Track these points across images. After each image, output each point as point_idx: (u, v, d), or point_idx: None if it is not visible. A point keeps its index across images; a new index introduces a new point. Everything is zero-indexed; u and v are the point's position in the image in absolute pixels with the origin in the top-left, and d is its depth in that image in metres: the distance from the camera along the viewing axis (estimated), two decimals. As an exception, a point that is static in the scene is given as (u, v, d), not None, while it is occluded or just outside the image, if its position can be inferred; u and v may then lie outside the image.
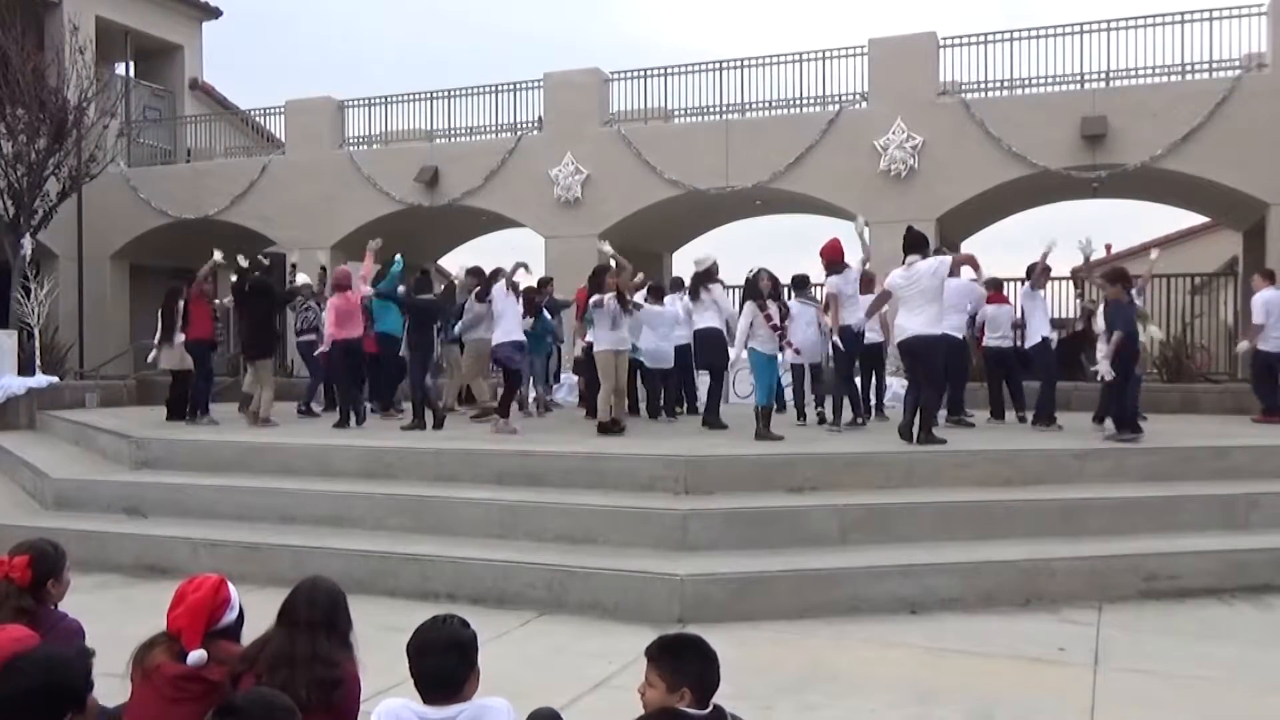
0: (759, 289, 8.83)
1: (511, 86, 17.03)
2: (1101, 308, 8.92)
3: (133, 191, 18.65)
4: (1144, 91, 13.61)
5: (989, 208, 15.37)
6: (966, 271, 9.79)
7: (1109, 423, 8.70)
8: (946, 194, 14.15)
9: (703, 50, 68.48)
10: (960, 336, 9.72)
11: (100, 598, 6.41)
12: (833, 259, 9.60)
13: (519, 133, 16.74)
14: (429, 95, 17.62)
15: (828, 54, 15.28)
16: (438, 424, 9.97)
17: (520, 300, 9.90)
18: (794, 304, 9.86)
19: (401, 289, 10.87)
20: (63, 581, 3.68)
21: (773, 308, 8.84)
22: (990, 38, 14.46)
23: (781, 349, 9.06)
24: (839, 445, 8.37)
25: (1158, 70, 13.82)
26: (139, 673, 3.07)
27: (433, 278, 11.02)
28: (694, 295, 10.54)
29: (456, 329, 11.00)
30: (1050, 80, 14.22)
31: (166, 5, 20.72)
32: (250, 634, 3.16)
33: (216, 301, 11.25)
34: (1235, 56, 13.45)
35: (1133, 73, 13.92)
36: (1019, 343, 10.66)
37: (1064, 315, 14.64)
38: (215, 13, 21.75)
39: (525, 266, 9.99)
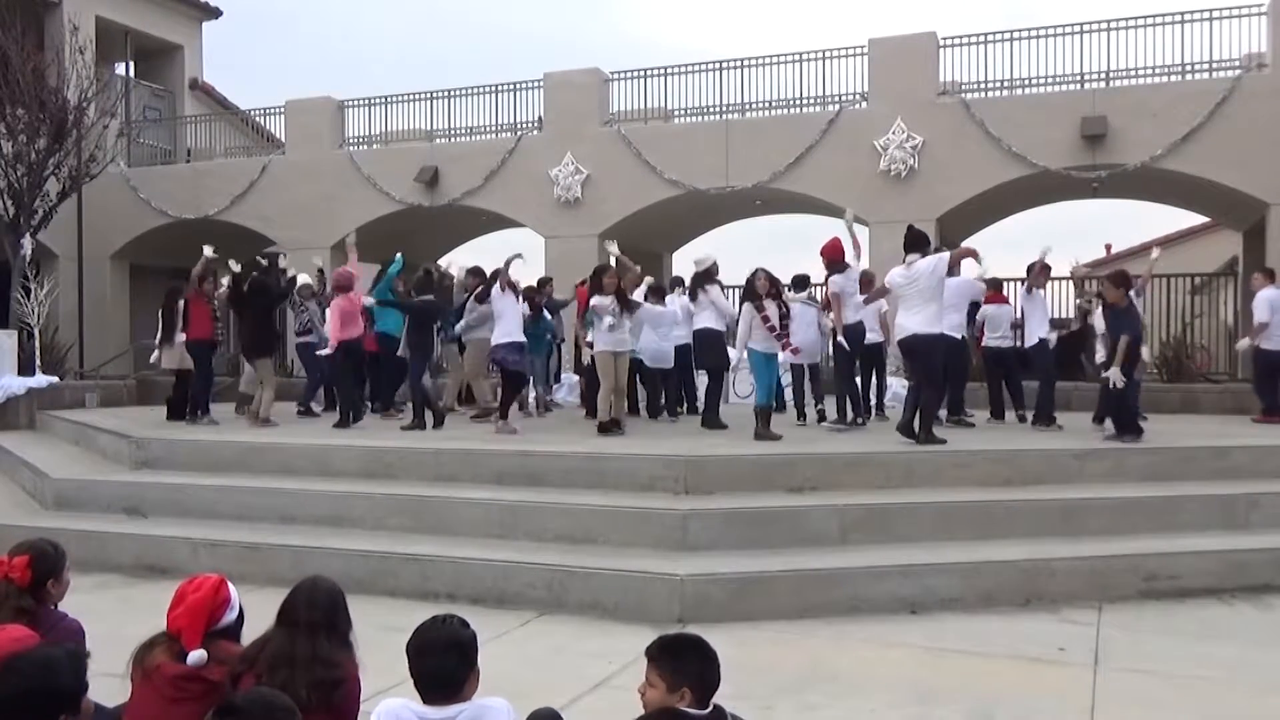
0: (755, 289, 8.82)
1: (511, 86, 17.03)
2: (1100, 310, 8.92)
3: (133, 191, 18.65)
4: (1144, 91, 13.61)
5: (989, 208, 15.38)
6: (969, 269, 9.77)
7: (1109, 423, 8.71)
8: (946, 194, 14.16)
9: (703, 50, 68.53)
10: (959, 336, 9.72)
11: (100, 598, 6.41)
12: (833, 258, 9.60)
13: (519, 133, 16.74)
14: (429, 95, 17.63)
15: (828, 54, 15.29)
16: (438, 423, 9.97)
17: (520, 299, 9.85)
18: (794, 304, 9.86)
19: (401, 287, 10.87)
20: (63, 581, 3.68)
21: (770, 308, 8.82)
22: (990, 38, 14.47)
23: (783, 346, 9.03)
24: (839, 445, 8.36)
25: (1158, 70, 13.83)
26: (139, 673, 3.07)
27: (434, 277, 10.99)
28: (693, 295, 10.54)
29: (457, 329, 10.99)
30: (1050, 80, 14.23)
31: (166, 5, 20.72)
32: (250, 634, 3.17)
33: (217, 299, 11.21)
34: (1235, 56, 13.45)
35: (1133, 73, 13.93)
36: (1019, 343, 10.67)
37: (1063, 315, 14.64)
38: (215, 13, 21.76)
39: (519, 256, 9.95)
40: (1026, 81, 14.36)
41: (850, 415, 9.58)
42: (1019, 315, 10.43)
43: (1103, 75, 14.01)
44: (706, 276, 10.38)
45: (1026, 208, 16.69)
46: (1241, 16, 13.38)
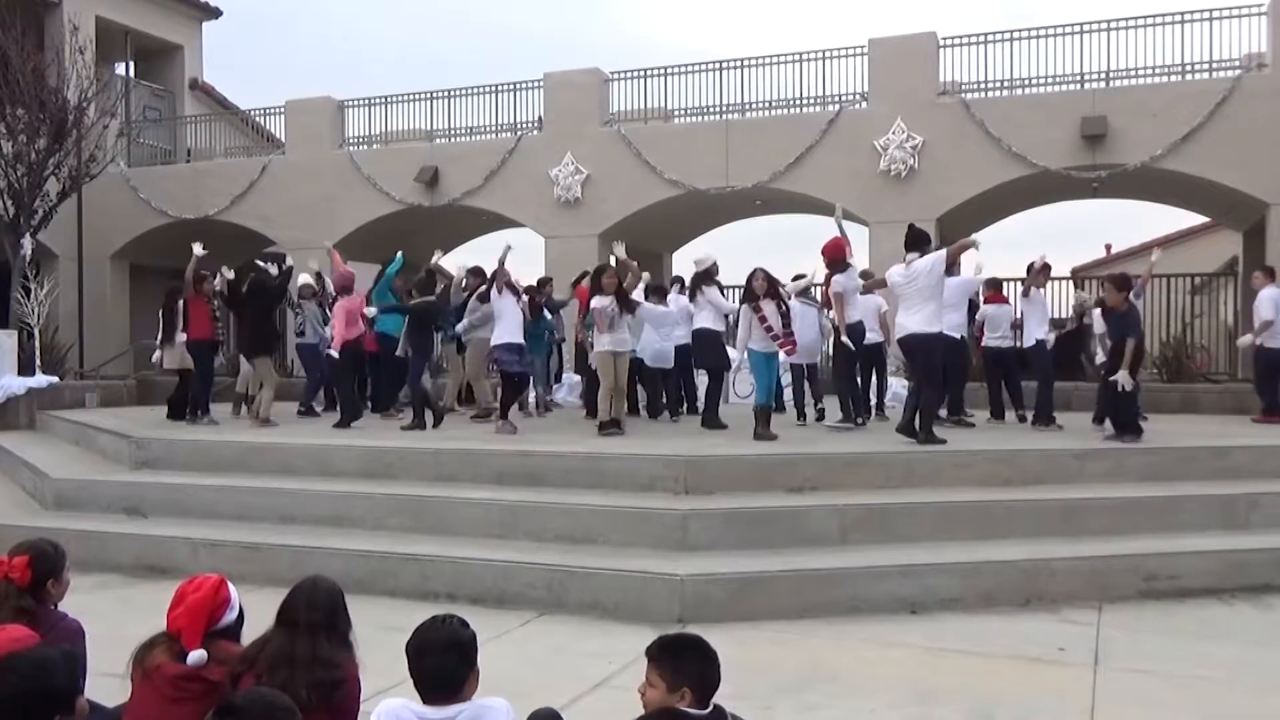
0: (753, 290, 8.82)
1: (511, 86, 17.03)
2: (1099, 311, 8.92)
3: (133, 191, 18.65)
4: (1144, 91, 13.62)
5: (989, 208, 15.38)
6: (967, 265, 9.76)
7: (1108, 423, 8.71)
8: (946, 194, 14.16)
9: (703, 50, 68.56)
10: (959, 336, 9.72)
11: (100, 598, 6.41)
12: (835, 257, 9.60)
13: (519, 133, 16.74)
14: (429, 95, 17.63)
15: (828, 54, 15.29)
16: (436, 422, 9.97)
17: (520, 300, 9.81)
18: (795, 304, 9.86)
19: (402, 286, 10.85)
20: (63, 581, 3.68)
21: (768, 308, 8.79)
22: (990, 38, 14.47)
23: (780, 346, 8.99)
24: (839, 445, 8.36)
25: (1158, 70, 13.83)
26: (139, 672, 3.07)
27: (435, 277, 10.98)
28: (692, 296, 10.53)
29: (458, 329, 11.00)
30: (1050, 80, 14.23)
31: (166, 5, 20.72)
32: (250, 634, 3.17)
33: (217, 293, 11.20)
34: (1235, 56, 13.45)
35: (1133, 73, 13.93)
36: (1018, 343, 10.66)
37: (1062, 315, 14.64)
38: (215, 13, 21.76)
39: (510, 248, 9.89)
40: (1026, 81, 14.36)
41: (851, 414, 9.57)
42: (1018, 315, 10.43)
43: (1103, 75, 14.02)
44: (706, 276, 10.37)
45: (1026, 208, 16.69)
46: (1241, 16, 13.39)
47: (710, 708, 2.76)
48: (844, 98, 15.11)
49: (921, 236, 8.72)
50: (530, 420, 10.92)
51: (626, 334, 9.72)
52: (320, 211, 17.26)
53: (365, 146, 17.88)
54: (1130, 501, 7.20)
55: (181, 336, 11.12)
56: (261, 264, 10.96)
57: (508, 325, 9.46)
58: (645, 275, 10.69)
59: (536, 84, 16.67)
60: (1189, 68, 13.70)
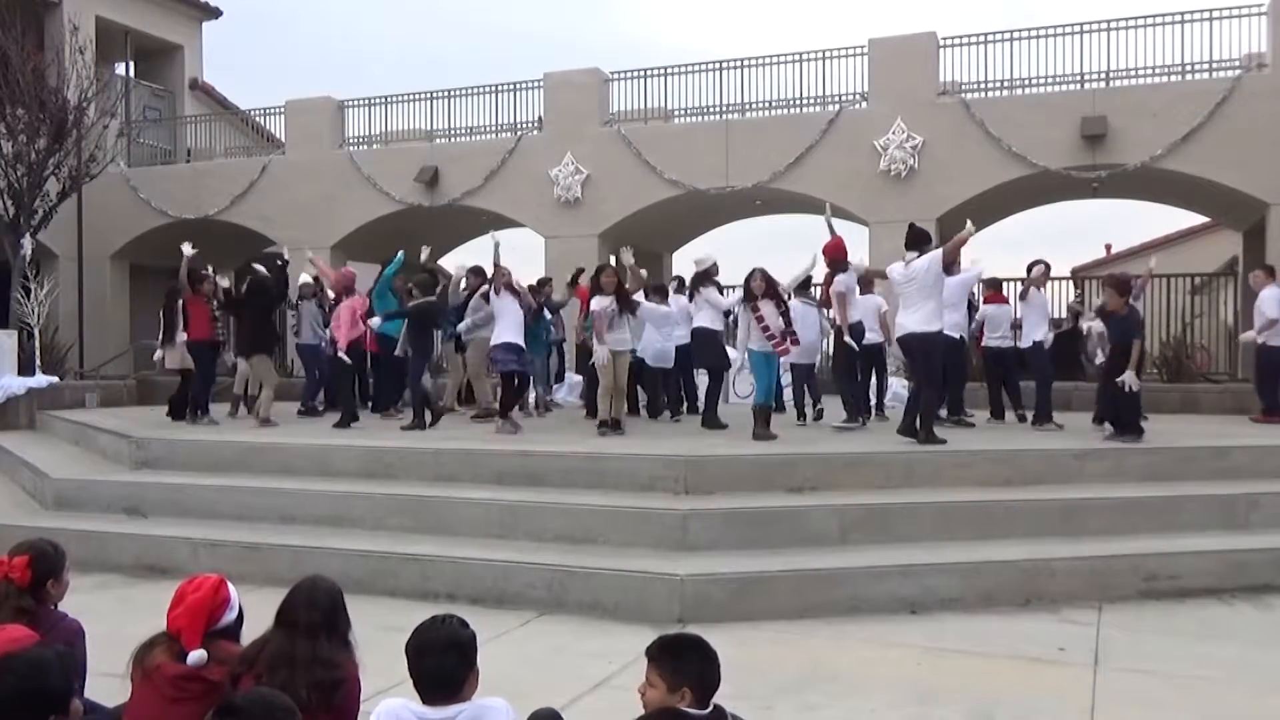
0: (751, 290, 8.81)
1: (511, 86, 17.04)
2: (1097, 312, 8.92)
3: (133, 191, 18.65)
4: (1144, 91, 13.62)
5: (989, 208, 15.37)
6: (966, 258, 9.74)
7: (1109, 423, 8.70)
8: (946, 194, 14.16)
9: (703, 50, 68.58)
10: (958, 336, 9.72)
11: (100, 598, 6.41)
12: (836, 257, 9.60)
13: (519, 133, 16.74)
14: (429, 95, 17.63)
15: (828, 54, 15.29)
16: (434, 420, 9.95)
17: (522, 299, 9.76)
18: (797, 304, 9.86)
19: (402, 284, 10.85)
20: (62, 582, 3.68)
21: (766, 308, 8.77)
22: (990, 38, 14.47)
23: (774, 347, 8.93)
24: (839, 445, 8.36)
25: (1158, 70, 13.83)
26: (139, 672, 3.07)
27: (437, 276, 10.99)
28: (691, 295, 10.54)
29: (460, 328, 11.00)
30: (1050, 80, 14.23)
31: (166, 5, 20.73)
32: (250, 634, 3.17)
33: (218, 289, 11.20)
34: (1235, 56, 13.46)
35: (1133, 73, 13.93)
36: (1018, 343, 10.66)
37: (1059, 315, 14.65)
38: (215, 13, 21.76)
39: (498, 243, 9.88)
40: (1026, 81, 14.37)
41: (855, 414, 9.58)
42: (1017, 316, 10.42)
43: (1103, 75, 14.02)
44: (705, 277, 10.37)
45: (1026, 208, 16.69)
46: (1241, 16, 13.39)
47: (710, 708, 2.76)
48: (844, 98, 15.11)
49: (922, 236, 8.72)
50: (530, 420, 10.91)
51: (626, 333, 9.71)
52: (320, 211, 17.27)
53: (365, 146, 17.88)
54: (1130, 501, 7.20)
55: (182, 336, 11.12)
56: (258, 266, 10.97)
57: (507, 325, 9.45)
58: (643, 272, 10.69)
59: (536, 84, 16.68)
60: (1189, 68, 13.70)
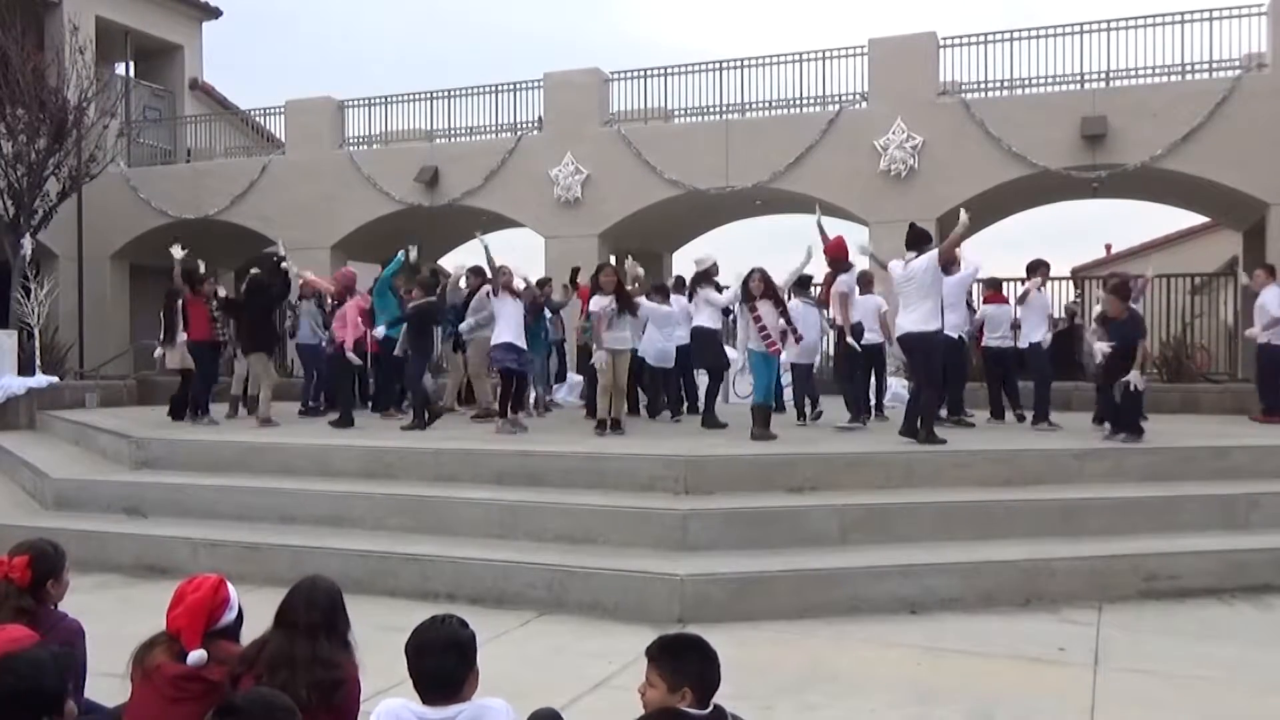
0: (749, 290, 8.80)
1: (511, 86, 17.04)
2: (1097, 321, 8.93)
3: (133, 191, 18.66)
4: (1144, 91, 13.62)
5: (989, 208, 15.37)
6: (969, 260, 9.74)
7: (1108, 423, 8.70)
8: (946, 194, 14.15)
9: (703, 50, 68.59)
10: (958, 336, 9.72)
11: (100, 598, 6.41)
12: (838, 257, 9.60)
13: (519, 133, 16.75)
14: (429, 95, 17.63)
15: (828, 54, 15.29)
16: (431, 419, 9.94)
17: (518, 300, 9.75)
18: (798, 304, 9.86)
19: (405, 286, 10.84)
20: (62, 582, 3.68)
21: (764, 308, 8.75)
22: (990, 38, 14.47)
23: (768, 347, 8.89)
24: (839, 445, 8.36)
25: (1158, 70, 13.83)
26: (139, 672, 3.07)
27: (438, 276, 11.00)
28: (690, 295, 10.54)
29: (462, 328, 11.00)
30: (1050, 80, 14.24)
31: (166, 5, 20.73)
32: (250, 634, 3.17)
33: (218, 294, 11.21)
34: (1235, 56, 13.46)
35: (1133, 73, 13.93)
36: (1017, 343, 10.66)
37: (1057, 315, 14.64)
38: (215, 13, 21.76)
39: (486, 245, 9.88)
40: (1026, 81, 14.37)
41: (858, 414, 9.59)
42: (1017, 316, 10.42)
43: (1103, 75, 14.02)
44: (705, 276, 10.38)
45: (1026, 208, 16.69)
46: (1241, 16, 13.39)
47: (710, 708, 2.76)
48: (844, 98, 15.11)
49: (922, 235, 8.72)
50: (530, 420, 10.91)
51: (627, 331, 9.70)
52: (320, 211, 17.27)
53: (365, 146, 17.89)
54: (1130, 501, 7.20)
55: (182, 336, 11.13)
56: (255, 271, 10.99)
57: (507, 325, 9.45)
58: (640, 269, 10.71)
59: (536, 84, 16.68)
60: (1189, 68, 13.70)
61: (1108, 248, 27.28)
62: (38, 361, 14.55)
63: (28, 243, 15.25)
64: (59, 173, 16.46)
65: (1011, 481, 7.48)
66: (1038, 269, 9.98)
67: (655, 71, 16.17)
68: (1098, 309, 10.40)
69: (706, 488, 7.12)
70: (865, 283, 10.23)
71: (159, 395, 14.29)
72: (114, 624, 4.33)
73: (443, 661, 2.79)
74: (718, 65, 15.88)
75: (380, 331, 10.59)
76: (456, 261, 12.77)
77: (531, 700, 3.37)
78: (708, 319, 10.10)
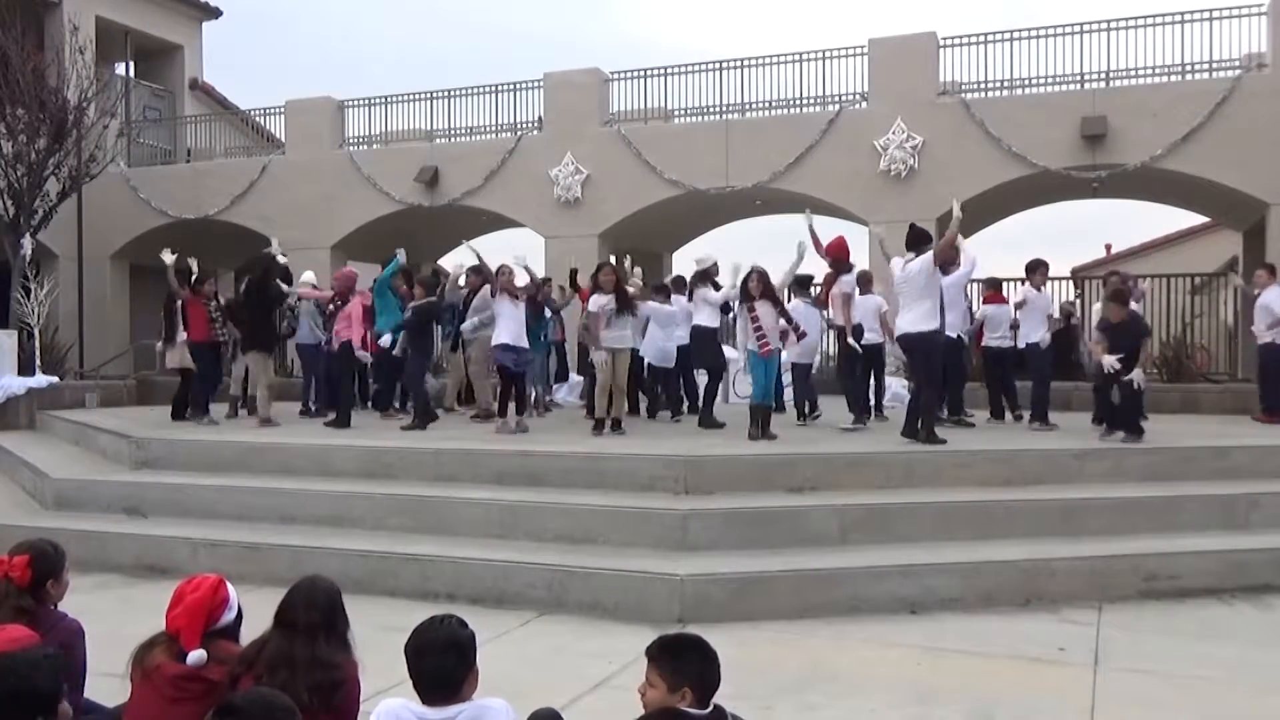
0: (748, 290, 8.80)
1: (511, 86, 17.04)
2: (1099, 328, 8.93)
3: (133, 191, 18.66)
4: (1144, 91, 13.62)
5: (989, 208, 15.38)
6: (966, 253, 9.73)
7: (1107, 423, 8.70)
8: (947, 194, 14.07)
9: (703, 50, 68.61)
10: (957, 336, 9.72)
11: (100, 598, 6.42)
12: (839, 257, 9.60)
13: (519, 133, 16.75)
14: (429, 95, 17.64)
15: (828, 54, 15.29)
16: (429, 419, 9.93)
17: (517, 300, 9.74)
18: (798, 304, 9.86)
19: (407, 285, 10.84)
20: (62, 581, 3.68)
21: (762, 308, 8.74)
22: (990, 38, 14.48)
23: (761, 347, 8.84)
24: (839, 445, 8.37)
25: (1158, 70, 13.83)
26: (139, 672, 3.07)
27: (439, 276, 11.00)
28: (690, 295, 10.54)
29: (464, 328, 11.00)
30: (1050, 80, 14.24)
31: (166, 5, 20.73)
32: (250, 634, 3.16)
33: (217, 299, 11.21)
34: (1235, 56, 13.46)
35: (1133, 73, 13.93)
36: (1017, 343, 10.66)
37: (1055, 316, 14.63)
38: (215, 13, 21.76)
39: (476, 252, 9.88)
40: (1026, 81, 14.37)
41: (860, 414, 9.59)
42: (1016, 316, 10.43)
43: (1103, 75, 14.02)
44: (704, 276, 10.38)
45: (1026, 208, 16.69)
46: (1241, 16, 13.39)
47: (710, 708, 2.76)
48: (844, 98, 15.11)
49: (923, 236, 8.73)
50: (530, 420, 10.91)
51: (627, 330, 9.70)
52: (320, 211, 17.27)
53: (365, 146, 17.89)
54: (1130, 501, 7.20)
55: (183, 336, 11.15)
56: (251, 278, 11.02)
57: (507, 325, 9.46)
58: (638, 270, 10.70)
59: (536, 84, 16.68)
60: (1189, 68, 13.70)
61: (1108, 248, 27.28)
62: (38, 361, 14.55)
63: (28, 243, 15.25)
64: (59, 173, 16.46)
65: (1011, 481, 7.49)
66: (1037, 269, 9.99)
67: (655, 71, 16.18)
68: (1097, 315, 10.39)
69: (706, 488, 7.12)
70: (865, 282, 10.23)
71: (159, 395, 14.29)
72: (114, 624, 4.33)
73: (442, 661, 2.79)
74: (718, 65, 15.89)
75: (386, 341, 10.61)
76: (457, 262, 12.75)
77: (531, 700, 3.37)
78: (706, 318, 10.10)
